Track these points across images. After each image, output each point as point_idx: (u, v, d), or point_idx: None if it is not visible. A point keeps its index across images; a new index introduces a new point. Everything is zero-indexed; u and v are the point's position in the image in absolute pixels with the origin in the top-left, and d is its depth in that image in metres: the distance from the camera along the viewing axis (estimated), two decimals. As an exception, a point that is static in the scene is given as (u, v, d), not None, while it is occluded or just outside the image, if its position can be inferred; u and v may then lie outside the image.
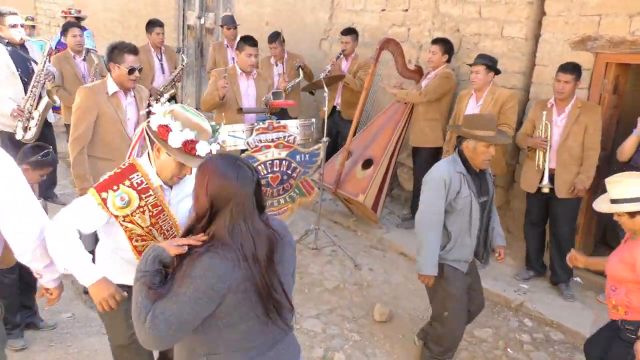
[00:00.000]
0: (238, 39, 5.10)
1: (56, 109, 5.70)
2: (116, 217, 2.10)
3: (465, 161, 3.06)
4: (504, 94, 4.50)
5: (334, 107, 5.89)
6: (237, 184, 1.71)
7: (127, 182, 2.11)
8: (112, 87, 3.48)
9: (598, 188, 4.20)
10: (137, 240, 2.16)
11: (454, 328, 3.21)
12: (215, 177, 1.72)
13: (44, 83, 4.63)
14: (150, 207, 2.13)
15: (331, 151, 5.59)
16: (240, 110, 4.32)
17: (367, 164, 5.22)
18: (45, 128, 4.99)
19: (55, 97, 4.67)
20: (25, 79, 4.71)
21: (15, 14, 4.78)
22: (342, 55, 5.72)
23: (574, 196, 4.22)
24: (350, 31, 5.69)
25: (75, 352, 3.34)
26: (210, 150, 2.11)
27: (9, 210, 1.94)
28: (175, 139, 2.03)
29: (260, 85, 4.80)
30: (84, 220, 2.09)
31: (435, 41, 5.05)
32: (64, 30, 5.59)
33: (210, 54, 6.76)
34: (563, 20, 4.55)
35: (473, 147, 3.01)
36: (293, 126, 4.27)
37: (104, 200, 2.08)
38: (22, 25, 4.78)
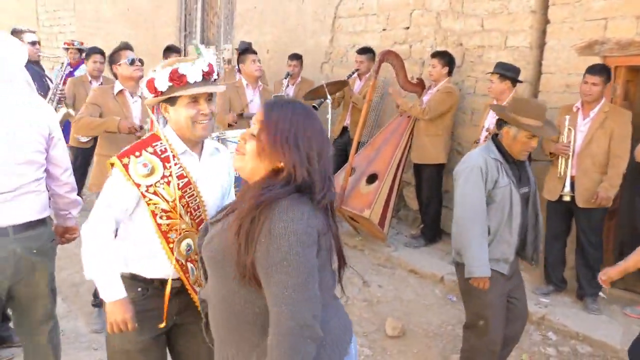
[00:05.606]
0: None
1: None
2: (138, 185, 1.91)
3: (500, 149, 2.74)
4: None
5: (345, 128, 5.78)
6: (317, 123, 1.58)
7: (150, 149, 1.96)
8: (118, 87, 3.52)
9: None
10: (161, 217, 1.95)
11: (490, 340, 2.81)
12: (293, 114, 1.54)
13: (58, 98, 4.68)
14: (175, 178, 1.95)
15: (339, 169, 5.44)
16: (241, 116, 4.20)
17: (372, 179, 5.03)
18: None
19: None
20: (42, 94, 4.74)
21: (33, 32, 5.07)
22: (355, 75, 5.63)
23: (597, 206, 3.93)
24: (365, 50, 5.58)
25: (62, 368, 3.07)
26: (204, 72, 1.93)
27: (64, 151, 2.52)
28: (161, 80, 1.90)
29: (265, 98, 4.74)
30: (115, 199, 1.93)
31: (435, 54, 4.99)
32: (87, 55, 5.65)
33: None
34: (568, 26, 4.48)
35: (514, 135, 2.68)
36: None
37: (126, 167, 1.91)
38: (39, 44, 5.08)
